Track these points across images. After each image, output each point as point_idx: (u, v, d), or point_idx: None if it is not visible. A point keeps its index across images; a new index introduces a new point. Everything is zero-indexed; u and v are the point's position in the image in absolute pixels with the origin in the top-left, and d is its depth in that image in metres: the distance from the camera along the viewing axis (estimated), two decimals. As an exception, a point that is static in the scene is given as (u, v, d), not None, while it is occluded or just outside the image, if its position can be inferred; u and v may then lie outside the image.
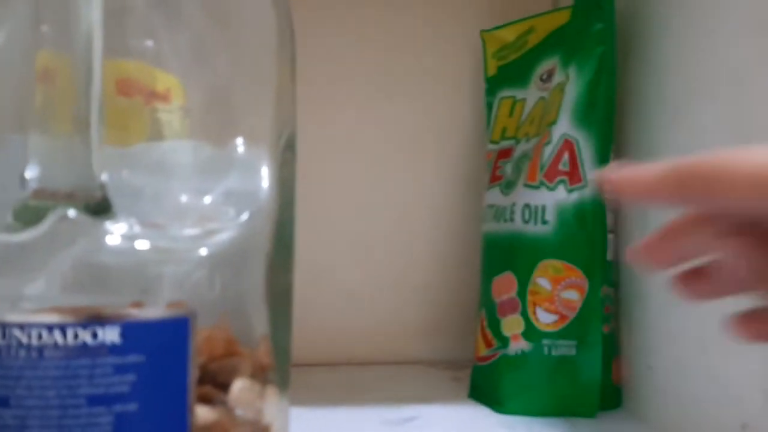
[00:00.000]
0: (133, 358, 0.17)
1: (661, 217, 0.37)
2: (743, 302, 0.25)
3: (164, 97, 0.23)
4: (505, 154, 0.44)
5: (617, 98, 0.41)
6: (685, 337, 0.35)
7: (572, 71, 0.40)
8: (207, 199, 0.20)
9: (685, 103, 0.36)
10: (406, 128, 0.52)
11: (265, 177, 0.21)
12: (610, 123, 0.39)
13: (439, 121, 0.52)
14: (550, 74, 0.42)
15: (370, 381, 0.46)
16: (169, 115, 0.23)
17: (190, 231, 0.19)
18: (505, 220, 0.41)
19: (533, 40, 0.45)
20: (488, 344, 0.41)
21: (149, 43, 0.22)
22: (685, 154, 0.35)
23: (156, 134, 0.23)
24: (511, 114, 0.45)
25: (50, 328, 0.16)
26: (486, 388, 0.41)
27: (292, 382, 0.45)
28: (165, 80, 0.23)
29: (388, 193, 0.52)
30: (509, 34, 0.47)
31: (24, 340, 0.16)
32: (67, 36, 0.17)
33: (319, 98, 0.50)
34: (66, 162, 0.17)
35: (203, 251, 0.19)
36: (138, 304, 0.18)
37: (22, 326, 0.16)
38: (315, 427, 0.36)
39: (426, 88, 0.52)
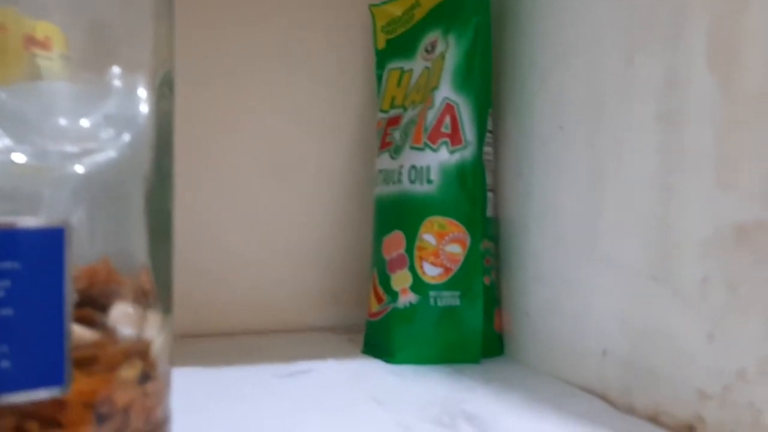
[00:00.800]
0: (8, 265, 0.17)
1: (534, 173, 0.40)
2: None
3: (44, 44, 0.23)
4: (394, 121, 0.46)
5: (495, 64, 0.44)
6: (554, 282, 0.38)
7: (451, 40, 0.42)
8: (85, 121, 0.20)
9: (551, 67, 0.39)
10: (301, 99, 0.53)
11: (143, 103, 0.22)
12: (487, 87, 0.42)
13: (333, 93, 0.53)
14: (433, 45, 0.45)
15: (266, 346, 0.47)
16: (50, 62, 0.23)
17: (69, 149, 0.19)
18: (394, 182, 0.43)
19: (419, 14, 0.47)
20: (379, 300, 0.43)
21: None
22: (550, 116, 0.38)
23: (35, 77, 0.23)
24: (399, 84, 0.47)
25: None
26: (378, 342, 0.43)
27: (186, 349, 0.45)
28: (44, 27, 0.23)
29: (284, 164, 0.53)
30: (397, 9, 0.49)
31: None
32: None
33: (213, 70, 0.50)
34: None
35: (80, 169, 0.20)
36: (13, 217, 0.18)
37: None
38: (207, 383, 0.37)
39: (320, 61, 0.53)
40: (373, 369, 0.40)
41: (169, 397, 0.23)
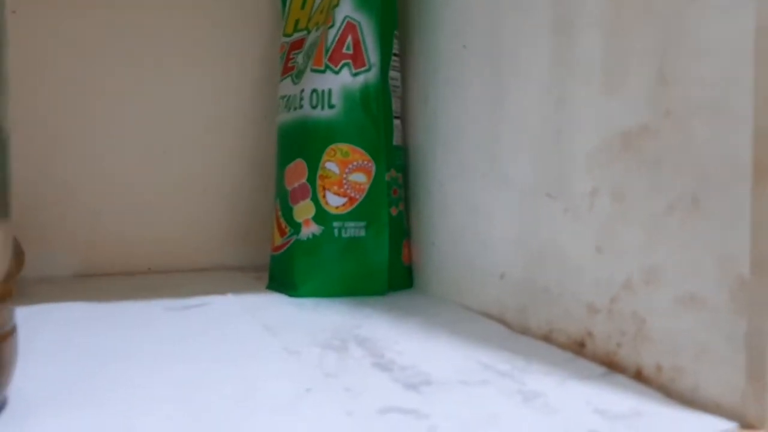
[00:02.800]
0: None
1: (439, 99, 0.39)
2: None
3: None
4: (297, 45, 0.44)
5: (399, -15, 0.42)
6: (458, 209, 0.37)
7: (354, -45, 0.40)
8: None
9: (454, -18, 0.37)
10: (203, 25, 0.50)
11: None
12: (391, 6, 0.40)
13: (237, 17, 0.50)
14: (338, -36, 0.42)
15: (167, 284, 0.45)
16: None
17: None
18: (295, 108, 0.41)
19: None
20: (282, 233, 0.42)
21: None
22: (454, 34, 0.37)
23: None
24: (303, 6, 0.44)
25: None
26: (281, 277, 0.41)
27: (82, 286, 0.43)
28: None
29: (188, 96, 0.50)
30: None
31: None
32: None
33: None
34: None
35: None
36: None
37: None
38: (93, 317, 0.34)
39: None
40: (272, 302, 0.39)
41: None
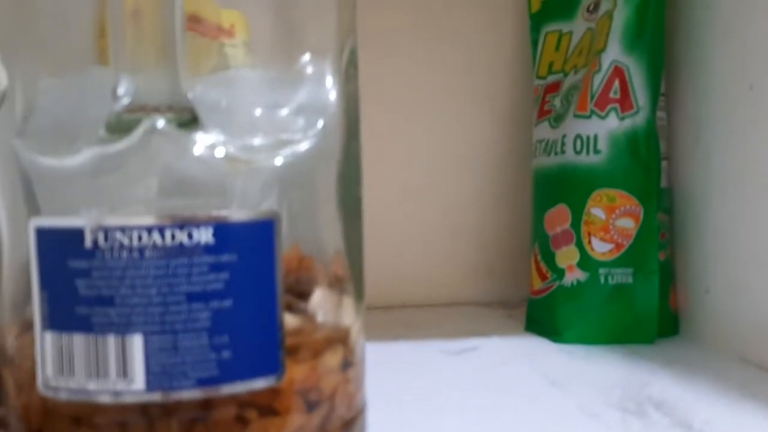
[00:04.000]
0: (226, 257, 0.18)
1: (715, 138, 0.37)
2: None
3: (229, 32, 0.23)
4: (552, 88, 0.44)
5: (666, 19, 0.40)
6: (739, 257, 0.35)
7: (620, -3, 0.39)
8: (280, 113, 0.20)
9: (732, 16, 0.35)
10: (452, 68, 0.52)
11: (332, 90, 0.21)
12: (660, 46, 0.39)
13: (485, 60, 0.52)
14: (596, 4, 0.42)
15: (425, 320, 0.47)
16: (234, 50, 0.24)
17: (267, 141, 0.20)
18: (556, 153, 0.41)
19: (577, -28, 0.44)
20: (543, 277, 0.42)
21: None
22: (735, 70, 0.34)
23: (222, 68, 0.23)
24: (557, 48, 0.44)
25: (149, 229, 0.17)
26: (543, 320, 0.42)
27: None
28: (229, 15, 0.24)
29: (435, 137, 0.52)
30: (552, -32, 0.46)
31: (125, 241, 0.17)
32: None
33: (367, 42, 0.50)
34: (155, 81, 0.18)
35: (279, 160, 0.20)
36: (225, 208, 0.18)
37: (123, 229, 0.17)
38: (376, 359, 0.37)
39: (470, 27, 0.51)
40: (540, 347, 0.39)
41: (365, 383, 0.23)
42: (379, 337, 0.42)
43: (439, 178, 0.52)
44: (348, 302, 0.22)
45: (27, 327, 0.20)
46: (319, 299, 0.22)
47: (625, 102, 0.39)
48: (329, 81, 0.21)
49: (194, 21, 0.23)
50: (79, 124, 0.19)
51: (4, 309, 0.21)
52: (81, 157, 0.18)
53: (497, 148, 0.52)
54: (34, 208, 0.19)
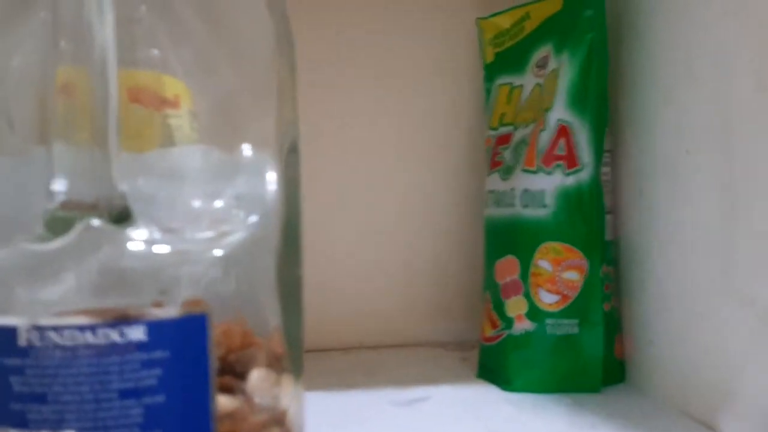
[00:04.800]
0: (158, 354, 0.18)
1: (657, 194, 0.38)
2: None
3: (174, 104, 0.24)
4: (503, 140, 0.45)
5: (611, 81, 0.42)
6: (680, 311, 0.37)
7: (565, 58, 0.41)
8: (218, 203, 0.21)
9: (673, 85, 0.37)
10: (408, 116, 0.53)
11: (271, 180, 0.22)
12: (603, 106, 0.41)
13: (440, 109, 0.53)
14: (545, 61, 0.43)
15: (380, 364, 0.48)
16: (179, 120, 0.24)
17: (204, 234, 0.20)
18: (506, 205, 0.42)
19: (529, 26, 0.46)
20: (494, 325, 0.43)
21: (156, 52, 0.23)
22: (674, 134, 0.36)
23: (167, 139, 0.24)
24: (508, 101, 0.46)
25: (82, 329, 0.18)
26: (493, 368, 0.43)
27: (307, 367, 0.47)
28: (173, 86, 0.24)
29: (393, 181, 0.53)
30: (505, 21, 0.48)
31: (59, 341, 0.18)
32: (83, 51, 0.18)
33: (319, 92, 0.51)
34: (88, 174, 0.19)
35: (217, 252, 0.20)
36: (159, 304, 0.19)
37: (56, 328, 0.18)
38: (325, 411, 0.38)
39: (425, 77, 0.53)
40: (489, 396, 0.40)
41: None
42: (333, 384, 0.43)
43: (398, 219, 0.53)
44: (287, 381, 0.23)
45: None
46: (257, 380, 0.22)
47: (570, 159, 0.40)
48: (269, 170, 0.22)
49: (136, 92, 0.23)
50: (17, 218, 0.19)
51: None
52: (18, 255, 0.19)
53: (456, 191, 0.53)
54: (-30, 302, 0.19)
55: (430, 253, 0.54)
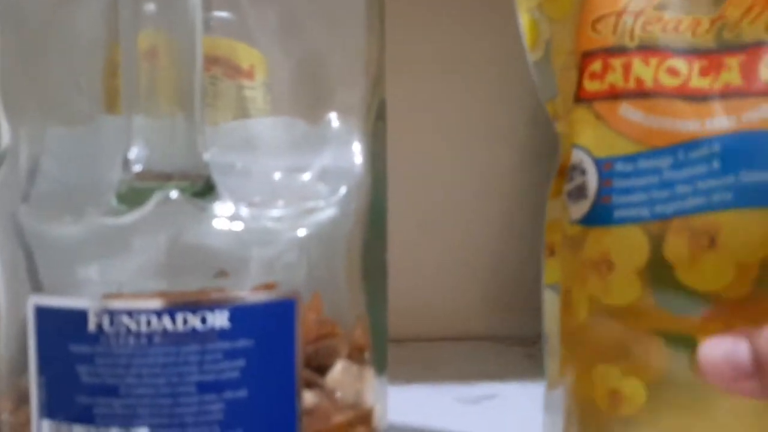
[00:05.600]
0: (242, 343, 0.16)
1: None
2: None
3: (249, 74, 0.22)
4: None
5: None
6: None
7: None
8: (302, 177, 0.19)
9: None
10: (470, 102, 0.50)
11: (358, 152, 0.20)
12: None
13: (505, 94, 0.50)
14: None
15: (440, 357, 0.45)
16: (253, 92, 0.22)
17: (289, 210, 0.18)
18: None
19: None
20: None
21: (233, 15, 0.21)
22: None
23: (241, 111, 0.22)
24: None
25: (159, 313, 0.16)
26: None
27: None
28: (249, 56, 0.22)
29: (454, 168, 0.50)
30: None
31: (132, 326, 0.16)
32: (172, 14, 0.16)
33: (389, 73, 0.49)
34: (170, 143, 0.16)
35: (302, 231, 0.18)
36: (245, 292, 0.17)
37: (130, 312, 0.16)
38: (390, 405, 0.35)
39: (487, 61, 0.50)
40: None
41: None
42: (393, 377, 0.40)
43: (456, 209, 0.51)
44: (369, 376, 0.21)
45: (23, 400, 0.18)
46: (338, 374, 0.20)
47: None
48: (355, 140, 0.20)
49: (211, 61, 0.21)
50: (87, 189, 0.17)
51: (1, 370, 0.20)
52: (88, 229, 0.17)
53: (516, 181, 0.51)
54: (35, 283, 0.17)
55: (489, 244, 0.51)
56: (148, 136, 0.16)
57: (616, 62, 0.18)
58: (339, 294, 0.21)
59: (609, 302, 0.19)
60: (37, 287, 0.17)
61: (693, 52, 0.17)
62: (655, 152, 0.17)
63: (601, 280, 0.18)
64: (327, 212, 0.19)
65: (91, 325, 0.16)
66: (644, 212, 0.17)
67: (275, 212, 0.18)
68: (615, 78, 0.18)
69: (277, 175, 0.19)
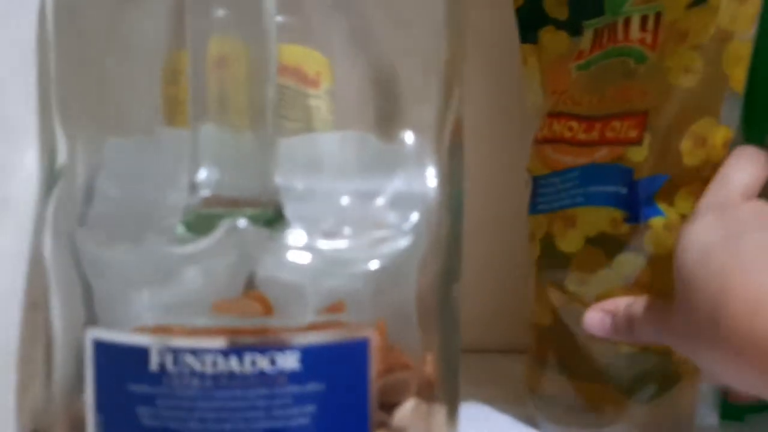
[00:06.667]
0: (312, 387, 0.15)
1: None
2: None
3: (314, 82, 0.20)
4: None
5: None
6: None
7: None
8: (375, 202, 0.17)
9: None
10: (488, 107, 0.48)
11: (432, 176, 0.18)
12: None
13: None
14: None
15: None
16: (318, 101, 0.21)
17: (359, 241, 0.17)
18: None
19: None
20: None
21: (296, 19, 0.19)
22: None
23: (305, 123, 0.20)
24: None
25: (225, 353, 0.15)
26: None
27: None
28: (315, 62, 0.20)
29: (478, 176, 0.48)
30: None
31: (197, 366, 0.15)
32: (248, 19, 0.15)
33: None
34: (241, 165, 0.15)
35: (374, 264, 0.17)
36: (314, 326, 0.16)
37: (194, 351, 0.15)
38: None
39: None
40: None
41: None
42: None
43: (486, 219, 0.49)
44: (440, 416, 0.19)
45: (78, 425, 0.17)
46: (409, 414, 0.19)
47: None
48: (429, 161, 0.18)
49: (280, 69, 0.20)
50: (147, 211, 0.16)
51: (55, 393, 0.19)
52: (149, 257, 0.15)
53: (520, 193, 0.48)
54: (90, 309, 0.16)
55: (514, 255, 0.49)
56: (216, 156, 0.15)
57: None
58: (407, 325, 0.19)
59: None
60: (93, 314, 0.16)
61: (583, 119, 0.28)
62: (553, 174, 0.28)
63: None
64: (399, 242, 0.17)
65: (153, 365, 0.15)
66: (546, 206, 0.28)
67: (345, 243, 0.16)
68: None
69: (345, 199, 0.18)
